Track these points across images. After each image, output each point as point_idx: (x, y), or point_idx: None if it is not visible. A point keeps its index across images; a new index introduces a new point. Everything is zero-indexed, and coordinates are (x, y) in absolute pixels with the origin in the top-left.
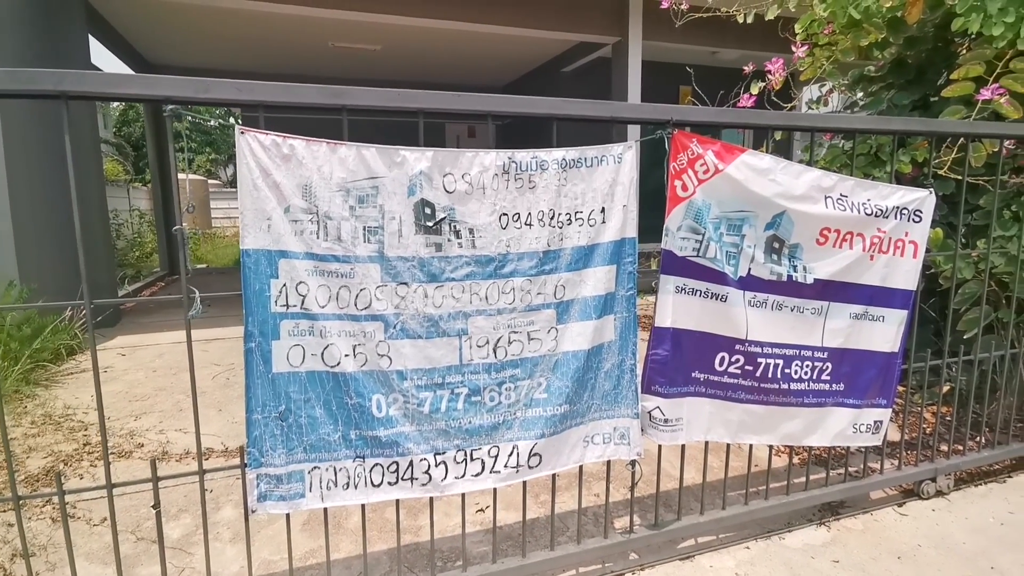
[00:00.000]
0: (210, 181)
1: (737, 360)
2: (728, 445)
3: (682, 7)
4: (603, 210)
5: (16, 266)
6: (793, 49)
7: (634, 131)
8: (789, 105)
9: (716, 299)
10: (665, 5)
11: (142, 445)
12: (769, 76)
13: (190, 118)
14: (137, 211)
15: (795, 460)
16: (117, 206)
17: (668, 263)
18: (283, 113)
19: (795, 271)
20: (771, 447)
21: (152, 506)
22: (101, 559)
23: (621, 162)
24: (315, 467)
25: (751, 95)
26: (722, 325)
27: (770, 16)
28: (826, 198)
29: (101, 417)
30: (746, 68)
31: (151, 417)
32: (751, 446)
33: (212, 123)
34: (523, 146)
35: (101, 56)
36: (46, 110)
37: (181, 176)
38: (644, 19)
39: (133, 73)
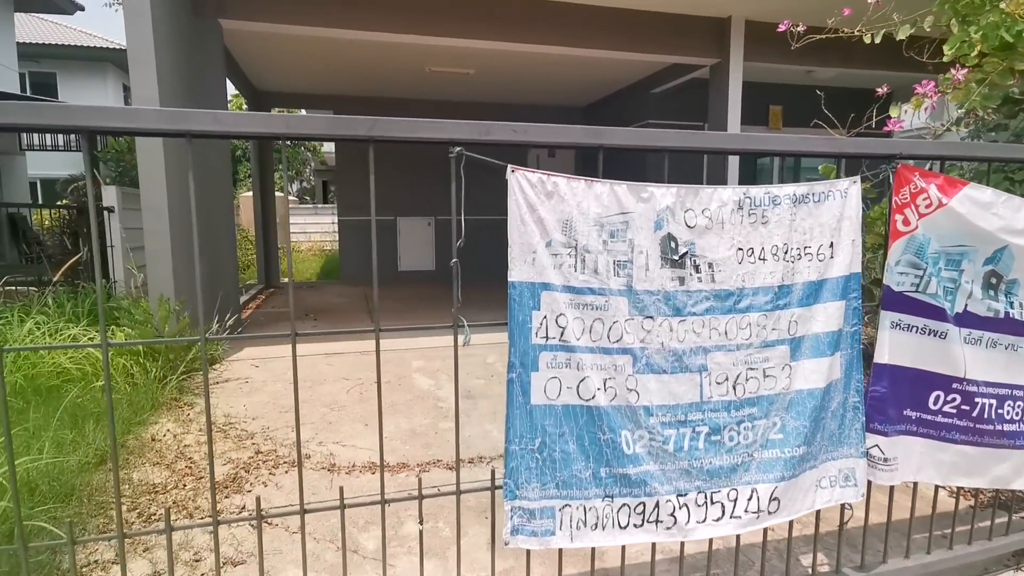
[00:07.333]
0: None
1: (953, 399)
2: (916, 485)
3: (799, 29)
4: (831, 245)
5: (172, 281)
6: (952, 72)
7: (734, 160)
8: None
9: (933, 335)
10: (782, 28)
11: (308, 456)
12: (926, 99)
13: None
14: (238, 225)
15: (972, 502)
16: None
17: (886, 298)
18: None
19: (1012, 308)
20: (947, 488)
21: (419, 522)
22: (311, 567)
23: (847, 196)
24: (566, 504)
25: (898, 120)
26: (937, 362)
27: (901, 36)
28: None
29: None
30: (879, 90)
31: (305, 429)
32: (915, 484)
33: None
34: (601, 169)
35: None
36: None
37: (279, 194)
38: (746, 40)
39: (433, 119)
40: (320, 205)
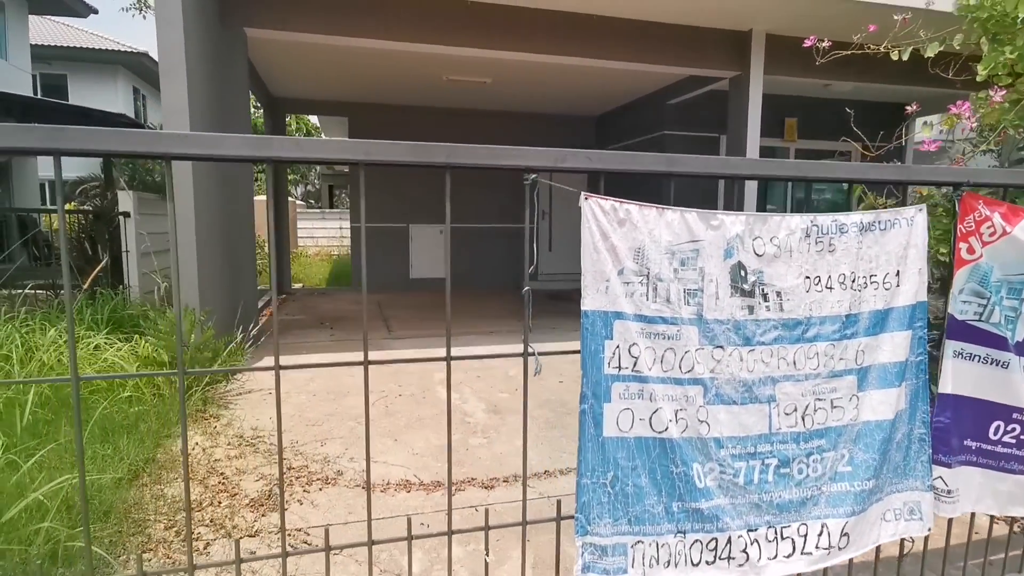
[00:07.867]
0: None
1: (1013, 429)
2: (973, 515)
3: (824, 45)
4: (898, 273)
5: (197, 293)
6: (991, 93)
7: (750, 185)
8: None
9: (995, 365)
10: (808, 44)
11: (341, 472)
12: (963, 120)
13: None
14: None
15: (1015, 528)
16: None
17: (949, 327)
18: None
19: None
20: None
21: (485, 554)
22: None
23: (913, 224)
24: (638, 541)
25: (935, 141)
26: (998, 392)
27: (930, 54)
28: None
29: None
30: (909, 108)
31: (335, 444)
32: (972, 515)
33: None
34: (618, 192)
35: None
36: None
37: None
38: (766, 54)
39: (508, 147)
40: (327, 210)
